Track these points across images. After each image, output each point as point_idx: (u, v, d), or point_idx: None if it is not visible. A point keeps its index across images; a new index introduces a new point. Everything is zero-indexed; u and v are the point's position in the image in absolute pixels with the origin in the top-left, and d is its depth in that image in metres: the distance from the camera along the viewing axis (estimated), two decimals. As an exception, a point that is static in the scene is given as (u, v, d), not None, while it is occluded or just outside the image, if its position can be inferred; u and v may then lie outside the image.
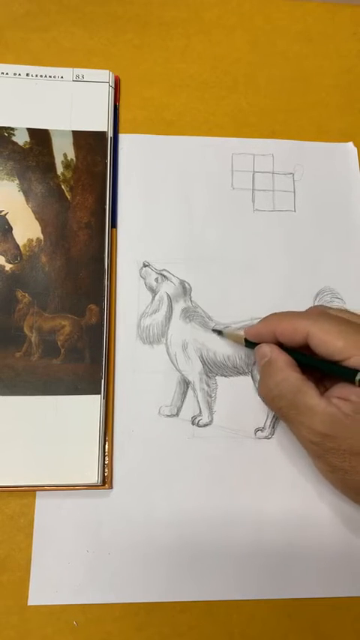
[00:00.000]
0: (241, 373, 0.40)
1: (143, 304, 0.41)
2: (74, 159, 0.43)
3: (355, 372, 0.32)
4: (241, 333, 0.39)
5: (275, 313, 0.37)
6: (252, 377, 0.40)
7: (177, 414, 0.39)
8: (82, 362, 0.39)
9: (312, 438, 0.32)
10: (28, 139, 0.43)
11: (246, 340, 0.38)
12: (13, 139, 0.43)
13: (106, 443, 0.38)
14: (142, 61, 0.48)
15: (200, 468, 0.38)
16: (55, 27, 0.48)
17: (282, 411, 0.35)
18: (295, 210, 0.45)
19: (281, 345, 0.36)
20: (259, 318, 0.41)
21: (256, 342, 0.37)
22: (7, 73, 0.45)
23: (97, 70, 0.46)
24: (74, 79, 0.45)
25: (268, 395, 0.35)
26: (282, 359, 0.35)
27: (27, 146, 0.43)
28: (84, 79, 0.45)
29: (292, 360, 0.35)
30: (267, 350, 0.36)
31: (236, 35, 0.50)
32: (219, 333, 0.41)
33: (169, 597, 0.35)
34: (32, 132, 0.44)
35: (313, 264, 0.44)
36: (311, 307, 0.40)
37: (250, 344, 0.38)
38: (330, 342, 0.33)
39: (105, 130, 0.44)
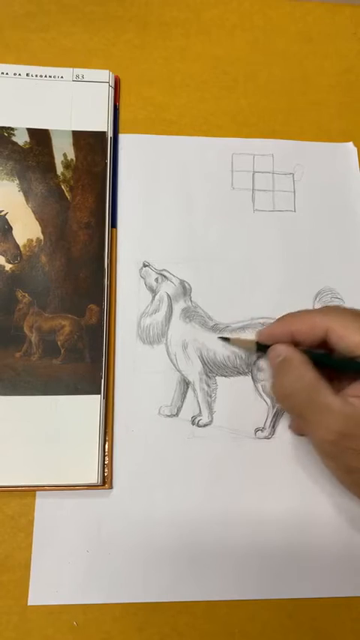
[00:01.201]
0: (241, 373, 0.40)
1: (143, 304, 0.41)
2: (74, 159, 0.43)
3: None
4: (250, 338, 0.39)
5: (290, 313, 0.37)
6: (252, 377, 0.40)
7: (177, 414, 0.39)
8: (82, 362, 0.39)
9: (328, 437, 0.32)
10: (28, 139, 0.43)
11: (258, 344, 0.38)
12: (13, 139, 0.43)
13: (106, 443, 0.38)
14: (142, 61, 0.48)
15: (200, 468, 0.38)
16: (55, 27, 0.48)
17: (296, 410, 0.34)
18: (295, 210, 0.45)
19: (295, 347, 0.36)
20: (259, 318, 0.41)
21: (269, 343, 0.37)
22: (7, 73, 0.45)
23: (97, 70, 0.46)
24: (74, 79, 0.45)
25: (282, 393, 0.35)
26: (297, 357, 0.34)
27: (27, 146, 0.43)
28: (84, 79, 0.45)
29: (307, 358, 0.34)
30: (282, 348, 0.35)
31: (236, 35, 0.50)
32: (226, 340, 0.40)
33: (169, 597, 0.35)
34: (32, 132, 0.44)
35: (313, 264, 0.44)
36: (324, 307, 0.40)
37: (261, 347, 0.37)
38: (349, 337, 0.33)
39: (105, 130, 0.44)
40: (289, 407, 0.35)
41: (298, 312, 0.37)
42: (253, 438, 0.39)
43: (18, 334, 0.39)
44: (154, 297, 0.42)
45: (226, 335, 0.41)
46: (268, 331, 0.37)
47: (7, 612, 0.35)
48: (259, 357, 0.40)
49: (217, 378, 0.40)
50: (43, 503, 0.36)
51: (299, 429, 0.38)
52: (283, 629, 0.35)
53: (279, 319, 0.37)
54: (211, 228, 0.44)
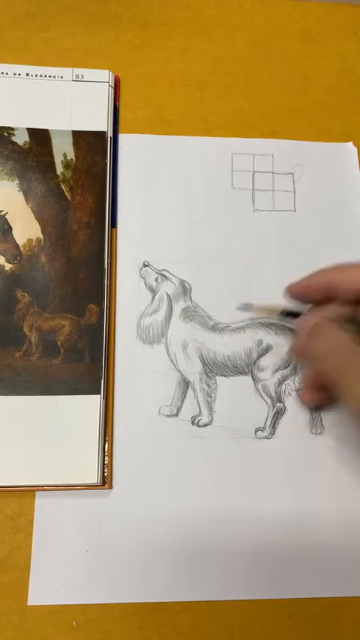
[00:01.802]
0: (241, 373, 0.40)
1: (143, 304, 0.41)
2: (74, 159, 0.43)
3: None
4: (274, 305, 0.38)
5: (327, 267, 0.36)
6: (252, 377, 0.40)
7: (177, 414, 0.39)
8: (82, 362, 0.39)
9: None
10: (27, 139, 0.43)
11: (284, 312, 0.37)
12: (13, 138, 0.43)
13: (106, 443, 0.38)
14: (142, 61, 0.48)
15: (200, 468, 0.38)
16: (55, 27, 0.48)
17: (333, 371, 0.33)
18: (295, 210, 0.45)
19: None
20: (259, 318, 0.41)
21: (300, 300, 0.36)
22: (7, 73, 0.45)
23: (97, 70, 0.46)
24: (74, 78, 0.45)
25: (315, 354, 0.34)
26: (332, 323, 0.34)
27: (27, 146, 0.43)
28: (84, 79, 0.45)
29: (340, 325, 0.34)
30: (314, 316, 0.35)
31: (236, 35, 0.50)
32: (246, 308, 0.40)
33: (169, 597, 0.35)
34: (32, 132, 0.44)
35: (313, 264, 0.43)
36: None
37: (288, 314, 0.37)
38: None
39: (105, 129, 0.44)
40: (325, 369, 0.34)
41: (337, 265, 0.36)
42: (253, 438, 0.39)
43: (18, 334, 0.39)
44: (154, 297, 0.42)
45: (226, 335, 0.41)
46: (303, 284, 0.36)
47: (6, 612, 0.34)
48: (261, 355, 0.40)
49: (217, 377, 0.40)
50: (42, 504, 0.36)
51: (311, 399, 0.38)
52: (283, 629, 0.35)
53: (316, 272, 0.36)
54: (211, 228, 0.44)
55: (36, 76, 0.45)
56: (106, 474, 0.37)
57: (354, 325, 0.34)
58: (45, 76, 0.45)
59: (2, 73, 0.45)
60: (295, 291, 0.37)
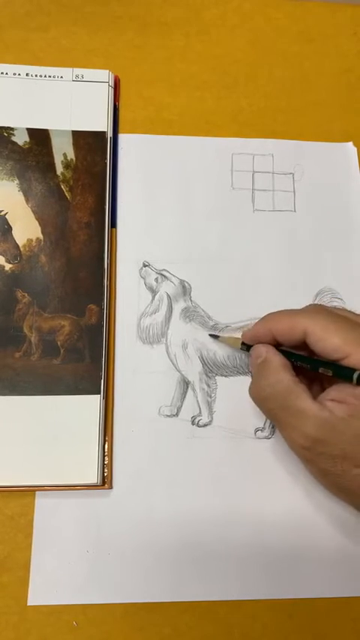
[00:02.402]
0: (241, 373, 0.40)
1: (143, 304, 0.41)
2: (74, 159, 0.43)
3: (352, 370, 0.31)
4: (237, 336, 0.39)
5: (272, 312, 0.37)
6: (252, 377, 0.40)
7: (177, 414, 0.39)
8: (82, 362, 0.39)
9: (303, 442, 0.32)
10: (27, 139, 0.43)
11: (243, 343, 0.38)
12: (13, 138, 0.43)
13: (106, 443, 0.38)
14: (142, 61, 0.48)
15: (200, 468, 0.38)
16: (55, 27, 0.48)
17: (273, 413, 0.34)
18: (295, 210, 0.45)
19: (278, 349, 0.36)
20: (258, 318, 0.41)
21: (252, 343, 0.37)
22: (7, 73, 0.45)
23: (96, 70, 0.46)
24: (74, 78, 0.45)
25: (259, 395, 0.35)
26: (277, 360, 0.34)
27: (27, 146, 0.43)
28: (84, 79, 0.45)
29: (287, 362, 0.35)
30: (263, 350, 0.35)
31: (236, 35, 0.50)
32: (214, 337, 0.40)
33: (170, 597, 0.35)
34: (32, 132, 0.44)
35: (313, 264, 0.44)
36: (309, 305, 0.40)
37: (246, 347, 0.38)
38: (328, 340, 0.32)
39: (105, 129, 0.44)
40: (266, 410, 0.35)
41: (280, 311, 0.37)
42: (253, 438, 0.39)
43: (18, 334, 0.39)
44: (154, 297, 0.42)
45: (226, 334, 0.41)
46: (251, 333, 0.37)
47: (6, 612, 0.34)
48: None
49: (217, 378, 0.40)
50: (42, 504, 0.36)
51: None
52: (283, 629, 0.35)
53: (261, 319, 0.37)
54: (211, 228, 0.44)
55: (36, 76, 0.45)
56: (106, 474, 0.37)
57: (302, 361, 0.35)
58: (45, 76, 0.45)
59: (2, 73, 0.45)
60: (246, 338, 0.37)
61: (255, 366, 0.36)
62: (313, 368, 0.34)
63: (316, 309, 0.35)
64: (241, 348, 0.39)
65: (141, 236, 0.43)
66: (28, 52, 0.47)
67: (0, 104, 0.44)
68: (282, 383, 0.33)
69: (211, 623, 0.35)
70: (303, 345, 0.34)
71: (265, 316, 0.37)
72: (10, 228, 0.41)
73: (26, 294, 0.40)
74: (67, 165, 0.43)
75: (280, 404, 0.33)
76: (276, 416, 0.34)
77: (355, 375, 0.31)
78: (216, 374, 0.40)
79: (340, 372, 0.32)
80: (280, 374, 0.34)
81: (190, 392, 0.40)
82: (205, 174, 0.45)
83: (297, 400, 0.32)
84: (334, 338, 0.32)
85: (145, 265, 0.42)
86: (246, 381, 0.40)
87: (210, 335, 0.41)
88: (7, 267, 0.41)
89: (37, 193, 0.42)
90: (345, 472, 0.31)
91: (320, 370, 0.34)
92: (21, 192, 0.42)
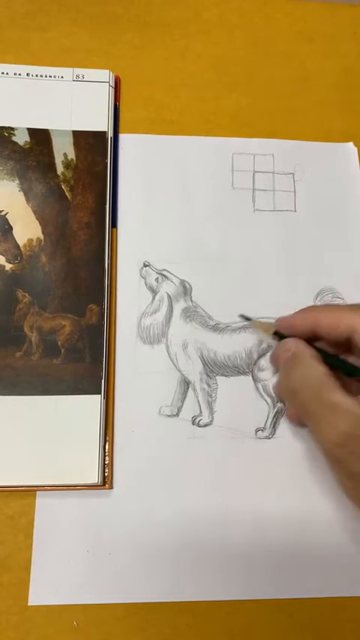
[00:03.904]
0: (241, 373, 0.40)
1: (143, 304, 0.41)
2: (74, 159, 0.43)
3: None
4: (271, 322, 0.38)
5: (315, 305, 0.35)
6: (252, 377, 0.40)
7: (177, 414, 0.39)
8: (83, 362, 0.39)
9: (335, 438, 0.30)
10: (28, 139, 0.43)
11: (275, 332, 0.37)
12: (14, 138, 0.43)
13: (107, 443, 0.38)
14: (142, 61, 0.48)
15: (200, 468, 0.38)
16: (55, 27, 0.48)
17: (304, 407, 0.32)
18: (295, 210, 0.45)
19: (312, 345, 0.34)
20: (259, 318, 0.41)
21: (286, 334, 0.36)
22: (7, 73, 0.45)
23: (97, 70, 0.46)
24: (74, 78, 0.45)
25: (290, 388, 0.33)
26: (308, 352, 0.33)
27: (27, 146, 0.43)
28: (84, 79, 0.45)
29: (318, 355, 0.33)
30: (292, 344, 0.34)
31: (236, 35, 0.50)
32: (247, 319, 0.40)
33: (170, 597, 0.35)
34: (32, 132, 0.44)
35: (313, 263, 0.44)
36: (356, 303, 0.38)
37: (279, 337, 0.36)
38: None
39: (105, 129, 0.44)
40: (297, 403, 0.33)
41: (325, 304, 0.36)
42: (253, 438, 0.39)
43: (18, 334, 0.39)
44: (154, 297, 0.42)
45: (227, 334, 0.41)
46: (288, 321, 0.35)
47: (7, 612, 0.34)
48: (261, 355, 0.40)
49: (217, 377, 0.40)
50: (43, 504, 0.36)
51: (297, 418, 0.37)
52: (283, 629, 0.35)
53: (301, 310, 0.36)
54: (211, 228, 0.44)
55: (36, 76, 0.45)
56: (106, 474, 0.37)
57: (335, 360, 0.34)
58: (45, 76, 0.45)
59: (2, 73, 0.45)
60: (281, 326, 0.36)
61: (283, 360, 0.35)
62: (348, 373, 0.33)
63: None
64: (272, 337, 0.37)
65: (141, 236, 0.43)
66: (29, 52, 0.47)
67: (0, 104, 0.44)
68: (314, 374, 0.32)
69: (211, 623, 0.35)
70: (344, 344, 0.33)
71: (306, 307, 0.36)
72: (10, 228, 0.41)
73: (27, 294, 0.40)
74: (67, 165, 0.43)
75: (312, 396, 0.31)
76: (308, 409, 0.32)
77: None
78: (216, 374, 0.40)
79: None
80: (312, 365, 0.32)
81: (190, 392, 0.40)
82: (205, 174, 0.45)
83: (330, 393, 0.31)
84: None
85: (145, 265, 0.42)
86: (247, 381, 0.40)
87: (240, 315, 0.40)
88: (8, 267, 0.41)
89: (37, 193, 0.42)
90: None
91: (356, 379, 0.33)
92: (21, 192, 0.42)
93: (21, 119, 0.44)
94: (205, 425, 0.39)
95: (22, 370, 0.38)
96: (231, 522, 0.37)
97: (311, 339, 0.35)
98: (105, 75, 0.46)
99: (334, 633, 0.36)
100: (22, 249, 0.41)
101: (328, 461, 0.33)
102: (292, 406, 0.35)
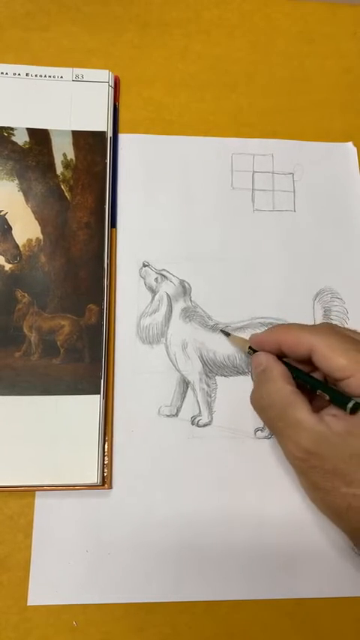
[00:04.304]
0: (241, 373, 0.40)
1: (143, 304, 0.41)
2: (74, 159, 0.43)
3: (348, 398, 0.32)
4: (246, 338, 0.39)
5: (282, 324, 0.37)
6: (252, 377, 0.40)
7: (177, 414, 0.39)
8: (82, 362, 0.39)
9: (297, 453, 0.32)
10: (27, 139, 0.43)
11: (250, 347, 0.38)
12: (13, 138, 0.43)
13: (106, 443, 0.38)
14: (142, 61, 0.48)
15: (200, 468, 0.38)
16: (55, 27, 0.48)
17: (270, 422, 0.34)
18: (295, 210, 0.45)
19: (282, 360, 0.36)
20: (259, 318, 0.41)
21: (258, 350, 0.37)
22: (7, 73, 0.45)
23: (96, 70, 0.46)
24: (74, 78, 0.45)
25: (258, 403, 0.35)
26: (277, 369, 0.35)
27: (27, 146, 0.43)
28: (84, 79, 0.45)
29: (287, 372, 0.35)
30: (263, 359, 0.36)
31: (236, 35, 0.50)
32: (226, 334, 0.40)
33: (169, 597, 0.35)
34: (32, 132, 0.44)
35: (313, 264, 0.44)
36: (320, 323, 0.40)
37: (253, 351, 0.38)
38: (333, 359, 0.32)
39: (105, 129, 0.44)
40: (265, 418, 0.35)
41: (290, 324, 0.37)
42: (253, 438, 0.39)
43: (18, 334, 0.39)
44: (153, 297, 0.41)
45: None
46: (258, 338, 0.37)
47: (6, 612, 0.35)
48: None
49: (216, 377, 0.40)
50: (42, 504, 0.36)
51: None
52: (283, 629, 0.35)
53: (270, 328, 0.37)
54: (211, 228, 0.44)
55: (36, 76, 0.45)
56: (106, 474, 0.37)
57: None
58: (45, 76, 0.45)
59: (2, 73, 0.45)
60: (253, 343, 0.38)
61: (255, 374, 0.36)
62: (313, 388, 0.34)
63: (325, 328, 0.35)
64: (247, 352, 0.38)
65: (141, 236, 0.43)
66: (28, 52, 0.47)
67: (0, 104, 0.44)
68: (280, 392, 0.33)
69: (211, 623, 0.35)
70: (308, 361, 0.34)
71: (274, 326, 0.37)
72: (10, 228, 0.41)
73: (26, 294, 0.40)
74: (67, 165, 0.43)
75: (278, 414, 0.33)
76: (273, 425, 0.34)
77: (350, 405, 0.31)
78: (216, 374, 0.40)
79: (336, 398, 0.33)
80: (279, 383, 0.34)
81: (189, 392, 0.40)
82: (205, 174, 0.45)
83: (294, 411, 0.32)
84: (340, 358, 0.32)
85: (145, 265, 0.42)
86: (246, 381, 0.40)
87: (221, 331, 0.41)
88: (7, 267, 0.41)
89: (37, 193, 0.42)
90: (334, 489, 0.31)
91: (318, 393, 0.34)
92: (21, 192, 0.42)
93: (20, 119, 0.44)
94: (205, 425, 0.39)
95: (22, 370, 0.38)
96: (230, 522, 0.37)
97: (281, 355, 0.36)
98: (104, 75, 0.46)
99: (334, 633, 0.36)
100: (21, 249, 0.41)
101: (295, 471, 0.34)
102: (261, 419, 0.36)
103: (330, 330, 0.34)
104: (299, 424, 0.32)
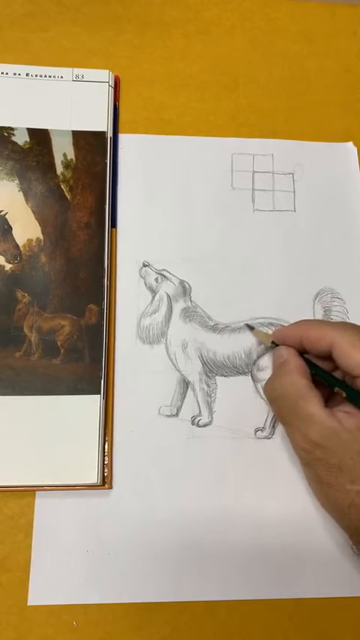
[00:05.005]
0: (241, 373, 0.40)
1: (143, 304, 0.41)
2: (74, 159, 0.43)
3: None
4: (270, 333, 0.39)
5: (306, 319, 0.38)
6: (252, 377, 0.40)
7: (177, 414, 0.39)
8: (82, 362, 0.39)
9: (303, 444, 0.32)
10: (27, 139, 0.43)
11: (273, 342, 0.38)
12: (13, 138, 0.43)
13: (106, 443, 0.38)
14: (142, 61, 0.48)
15: (200, 468, 0.38)
16: (55, 27, 0.48)
17: (281, 412, 0.35)
18: (295, 210, 0.45)
19: (302, 356, 0.36)
20: (259, 318, 0.41)
21: (280, 343, 0.37)
22: (7, 73, 0.45)
23: (96, 70, 0.46)
24: (74, 78, 0.45)
25: (272, 394, 0.36)
26: (295, 362, 0.35)
27: (27, 146, 0.43)
28: (84, 79, 0.45)
29: (305, 366, 0.35)
30: (284, 352, 0.36)
31: (236, 35, 0.50)
32: (250, 328, 0.40)
33: (169, 597, 0.35)
34: (32, 132, 0.44)
35: (313, 264, 0.44)
36: (341, 321, 0.40)
37: (276, 345, 0.38)
38: (352, 355, 0.33)
39: (105, 129, 0.44)
40: (276, 408, 0.36)
41: (313, 320, 0.38)
42: (253, 438, 0.39)
43: (18, 334, 0.39)
44: (153, 297, 0.42)
45: (226, 335, 0.41)
46: (282, 332, 0.38)
47: (6, 612, 0.35)
48: (260, 355, 0.40)
49: (217, 377, 0.40)
50: (42, 504, 0.36)
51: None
52: (283, 629, 0.35)
53: (294, 323, 0.38)
54: (211, 228, 0.44)
55: (36, 76, 0.45)
56: (106, 474, 0.37)
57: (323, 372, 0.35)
58: (45, 76, 0.45)
59: (2, 73, 0.45)
60: (277, 337, 0.38)
61: (274, 366, 0.37)
62: (330, 384, 0.35)
63: (347, 325, 0.36)
64: (270, 346, 0.39)
65: (141, 236, 0.43)
66: (28, 52, 0.47)
67: (0, 104, 0.44)
68: (295, 385, 0.34)
69: (211, 623, 0.35)
70: (329, 358, 0.35)
71: (298, 321, 0.38)
72: (10, 228, 0.41)
73: (26, 294, 0.40)
74: (67, 165, 0.43)
75: (290, 405, 0.33)
76: (284, 416, 0.34)
77: None
78: (216, 374, 0.40)
79: (353, 396, 0.33)
80: (294, 376, 0.34)
81: (190, 392, 0.40)
82: (205, 174, 0.45)
83: (307, 404, 0.33)
84: (359, 354, 0.32)
85: (145, 265, 0.42)
86: (246, 381, 0.40)
87: (246, 325, 0.41)
88: (7, 267, 0.41)
89: (37, 193, 0.42)
90: (338, 484, 0.31)
91: (335, 390, 0.34)
92: (21, 192, 0.42)
93: (21, 119, 0.44)
94: (205, 425, 0.39)
95: (22, 370, 0.38)
96: (230, 522, 0.37)
97: (303, 350, 0.36)
98: (104, 75, 0.46)
99: (334, 633, 0.36)
100: (21, 249, 0.41)
101: (300, 464, 0.35)
102: (273, 409, 0.37)
103: (352, 327, 0.35)
104: (310, 417, 0.32)
